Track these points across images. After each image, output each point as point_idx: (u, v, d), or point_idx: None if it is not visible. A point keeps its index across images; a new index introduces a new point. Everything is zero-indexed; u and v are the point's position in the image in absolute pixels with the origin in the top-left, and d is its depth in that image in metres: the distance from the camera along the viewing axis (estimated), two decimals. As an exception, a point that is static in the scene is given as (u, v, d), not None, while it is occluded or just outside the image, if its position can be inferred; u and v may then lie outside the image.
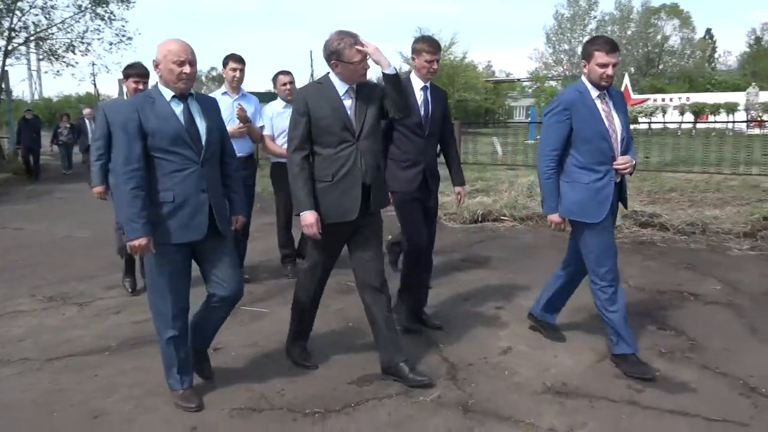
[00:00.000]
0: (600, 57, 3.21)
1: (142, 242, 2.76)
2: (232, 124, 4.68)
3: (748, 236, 6.62)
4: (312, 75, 42.27)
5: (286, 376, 3.34)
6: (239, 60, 5.01)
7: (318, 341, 3.72)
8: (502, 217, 7.93)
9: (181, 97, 2.89)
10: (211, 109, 3.02)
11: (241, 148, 4.64)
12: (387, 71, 3.11)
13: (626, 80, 30.80)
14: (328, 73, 3.20)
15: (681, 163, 12.52)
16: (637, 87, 37.28)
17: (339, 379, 3.31)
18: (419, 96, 3.84)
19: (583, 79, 3.35)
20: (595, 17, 45.85)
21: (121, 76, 5.35)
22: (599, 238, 3.35)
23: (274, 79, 5.29)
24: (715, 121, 26.42)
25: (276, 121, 5.13)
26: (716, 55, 57.65)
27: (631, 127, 3.63)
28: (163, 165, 2.83)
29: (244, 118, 4.83)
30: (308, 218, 3.11)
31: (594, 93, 3.30)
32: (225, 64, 5.04)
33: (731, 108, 28.10)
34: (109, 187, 4.55)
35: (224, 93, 5.01)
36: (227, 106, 4.72)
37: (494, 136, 20.02)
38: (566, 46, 47.04)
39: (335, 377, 3.34)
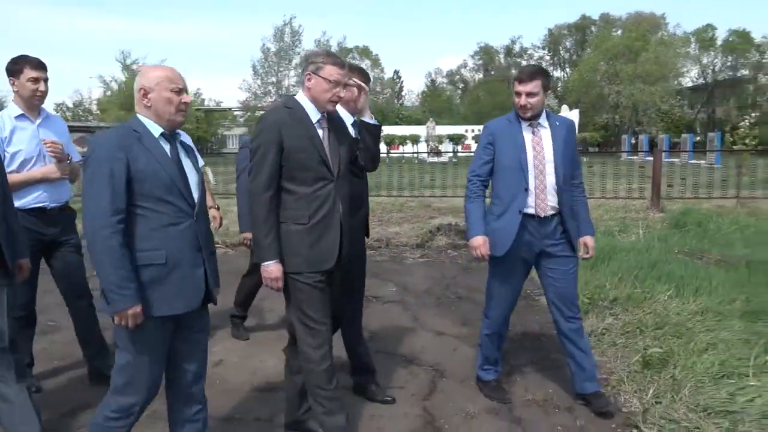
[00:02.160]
0: (515, 86, 3.25)
1: (137, 310, 2.26)
2: (39, 164, 3.41)
3: (419, 247, 8.21)
4: None
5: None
6: (40, 66, 3.40)
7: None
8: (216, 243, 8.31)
9: (170, 134, 2.42)
10: (190, 149, 2.57)
11: (59, 195, 3.52)
12: (370, 121, 2.99)
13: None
14: (294, 95, 2.86)
15: (375, 187, 14.48)
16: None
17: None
18: (352, 132, 3.38)
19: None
20: (299, 53, 49.08)
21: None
22: (496, 272, 3.44)
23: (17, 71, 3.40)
24: (404, 152, 30.74)
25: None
26: (403, 93, 66.67)
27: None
28: (152, 218, 2.31)
29: (60, 153, 3.42)
30: (274, 270, 2.69)
31: (524, 123, 3.29)
32: (16, 72, 3.35)
33: (415, 139, 33.29)
34: None
35: (20, 116, 3.39)
36: (28, 135, 3.39)
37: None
38: (274, 79, 49.35)
39: None
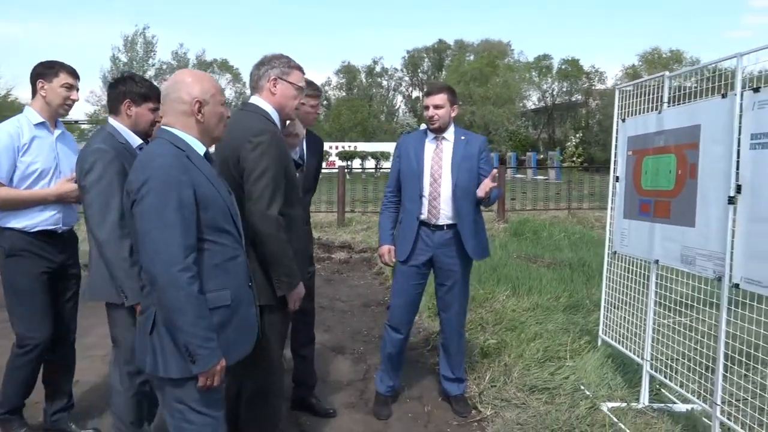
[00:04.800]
0: (424, 100, 3.47)
1: (224, 363, 1.95)
2: (54, 179, 3.00)
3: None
4: None
5: None
6: (76, 74, 3.07)
7: None
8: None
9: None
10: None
11: (71, 217, 3.11)
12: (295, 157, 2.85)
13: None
14: (250, 101, 2.59)
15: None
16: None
17: None
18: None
19: None
20: (153, 65, 46.92)
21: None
22: (398, 278, 3.53)
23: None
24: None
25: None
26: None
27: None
28: (216, 252, 1.96)
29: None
30: (301, 290, 2.58)
31: (430, 136, 3.49)
32: (49, 75, 2.98)
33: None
34: None
35: (40, 124, 2.99)
36: (47, 146, 3.00)
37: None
38: (126, 91, 46.62)
39: None
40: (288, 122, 2.81)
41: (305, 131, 3.33)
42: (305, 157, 3.32)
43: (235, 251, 2.04)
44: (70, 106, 3.07)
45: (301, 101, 2.71)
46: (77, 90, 3.06)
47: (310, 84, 3.22)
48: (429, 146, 3.47)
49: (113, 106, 2.79)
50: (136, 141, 2.78)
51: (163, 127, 2.04)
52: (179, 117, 2.01)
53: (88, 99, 45.57)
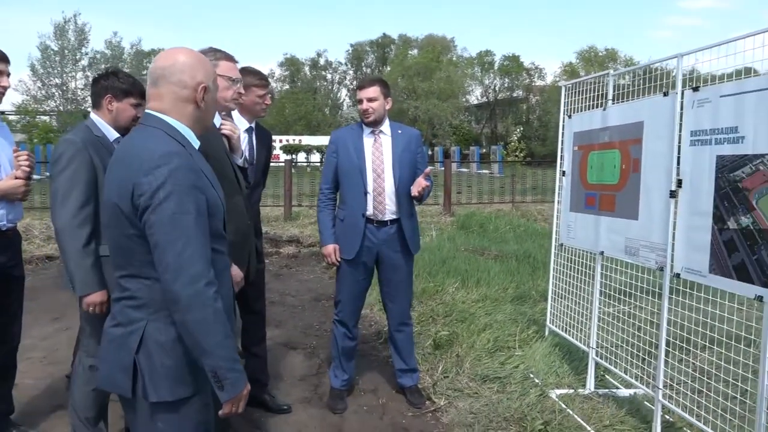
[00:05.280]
0: (358, 94, 3.40)
1: (249, 388, 1.78)
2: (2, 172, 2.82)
3: (230, 256, 8.19)
4: None
5: None
6: (4, 57, 2.81)
7: None
8: None
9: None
10: None
11: (17, 213, 2.92)
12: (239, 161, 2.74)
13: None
14: None
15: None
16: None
17: None
18: (243, 139, 3.15)
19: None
20: (87, 54, 44.96)
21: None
22: (345, 274, 3.48)
23: None
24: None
25: None
26: (205, 100, 63.87)
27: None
28: (216, 261, 1.72)
29: (33, 167, 2.90)
30: None
31: (367, 130, 3.43)
32: None
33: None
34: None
35: None
36: None
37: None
38: (57, 80, 44.58)
39: None
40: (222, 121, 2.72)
41: (254, 124, 3.32)
42: (255, 150, 3.28)
43: (227, 259, 1.87)
44: (2, 94, 2.86)
45: (238, 91, 2.64)
46: (8, 75, 2.85)
47: (255, 73, 3.21)
48: (367, 141, 3.42)
49: (95, 101, 2.79)
50: (113, 135, 2.74)
51: (151, 112, 1.74)
52: (176, 103, 1.74)
53: (16, 88, 43.19)
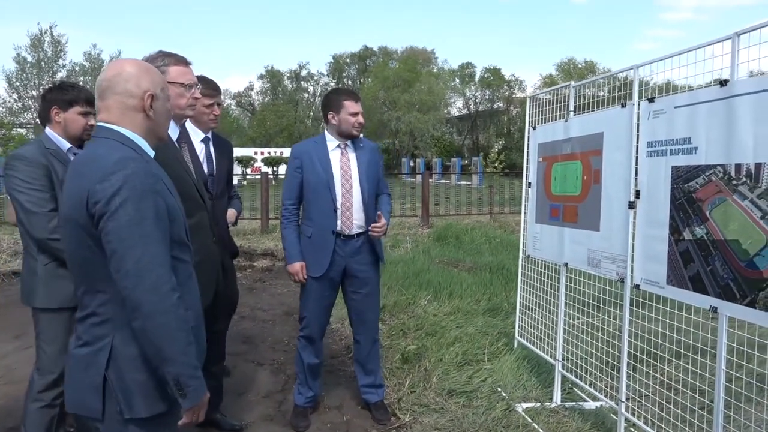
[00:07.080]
0: (351, 106, 3.28)
1: (209, 395, 1.73)
2: None
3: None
4: None
5: None
6: None
7: None
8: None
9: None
10: None
11: None
12: None
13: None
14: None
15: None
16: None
17: None
18: (200, 150, 3.07)
19: (326, 131, 3.39)
20: (64, 66, 44.52)
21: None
22: (311, 290, 3.40)
23: None
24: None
25: None
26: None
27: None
28: (179, 269, 1.69)
29: None
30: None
31: (332, 144, 3.35)
32: None
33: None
34: None
35: None
36: None
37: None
38: (34, 93, 44.02)
39: None
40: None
41: (210, 134, 3.18)
42: (215, 160, 3.16)
43: (191, 268, 1.82)
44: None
45: (193, 96, 2.55)
46: None
47: (203, 80, 3.00)
48: (333, 155, 3.35)
49: (44, 117, 2.78)
50: (66, 145, 2.73)
51: (102, 124, 1.71)
52: (125, 113, 1.71)
53: (-10, 101, 42.55)
